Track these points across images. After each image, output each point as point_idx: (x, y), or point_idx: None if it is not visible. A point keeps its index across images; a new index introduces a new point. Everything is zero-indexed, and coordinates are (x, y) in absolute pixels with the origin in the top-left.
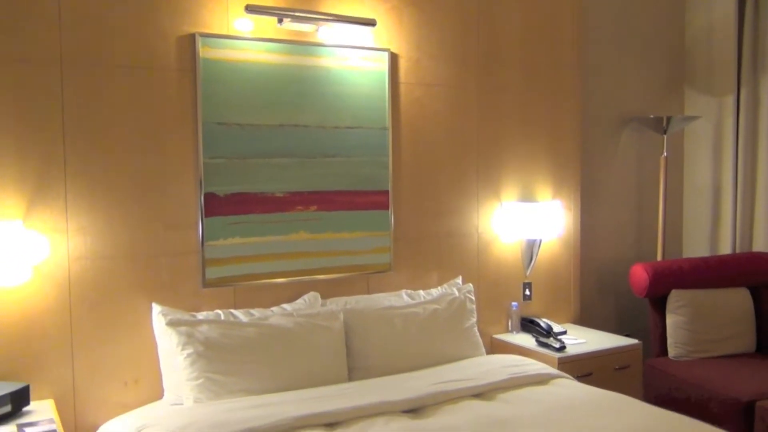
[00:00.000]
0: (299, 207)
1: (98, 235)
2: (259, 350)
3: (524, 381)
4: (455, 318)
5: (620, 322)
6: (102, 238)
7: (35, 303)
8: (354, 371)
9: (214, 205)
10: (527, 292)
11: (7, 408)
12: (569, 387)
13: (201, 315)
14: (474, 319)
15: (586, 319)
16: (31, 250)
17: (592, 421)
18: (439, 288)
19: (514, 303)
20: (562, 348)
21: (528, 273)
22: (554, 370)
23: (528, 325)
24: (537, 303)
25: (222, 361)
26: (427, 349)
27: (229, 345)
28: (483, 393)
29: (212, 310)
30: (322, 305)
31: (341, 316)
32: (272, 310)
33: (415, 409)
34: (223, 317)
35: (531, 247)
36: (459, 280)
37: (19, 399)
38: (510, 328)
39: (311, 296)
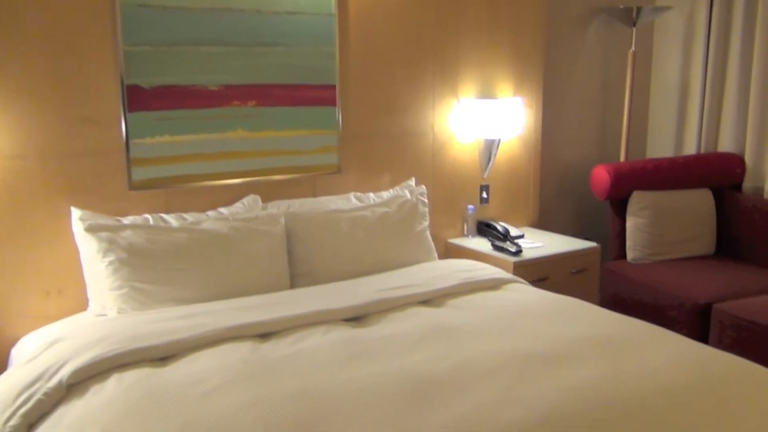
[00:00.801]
0: (236, 102)
1: (5, 133)
2: (191, 257)
3: (476, 286)
4: (406, 222)
5: (580, 226)
6: (10, 136)
7: None
8: (297, 278)
9: (138, 99)
10: (484, 195)
11: None
12: (523, 292)
13: (127, 220)
14: (426, 223)
15: (544, 222)
16: None
17: (544, 327)
18: (390, 190)
19: (470, 206)
20: (518, 252)
21: (486, 175)
22: (508, 275)
23: (484, 228)
24: (494, 206)
25: (148, 269)
26: (376, 255)
27: (156, 251)
28: (432, 300)
29: (141, 214)
30: (263, 209)
31: (282, 220)
32: (207, 215)
33: (357, 318)
34: (151, 222)
35: (489, 148)
36: (412, 182)
37: None
38: (465, 232)
39: (250, 199)
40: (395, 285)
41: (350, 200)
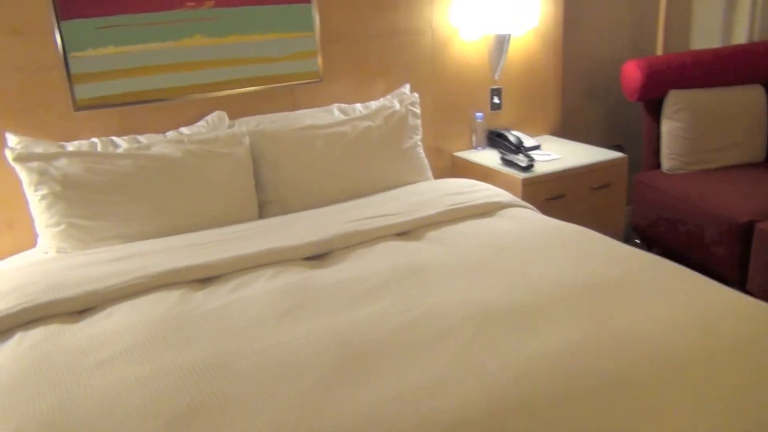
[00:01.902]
0: (190, 3)
1: None
2: (135, 187)
3: (465, 213)
4: (392, 136)
5: (610, 134)
6: None
7: None
8: (266, 206)
9: (72, 3)
10: (495, 100)
11: None
12: (521, 219)
13: (71, 145)
14: (418, 138)
15: (568, 130)
16: None
17: (527, 267)
18: (381, 100)
19: (478, 114)
20: (529, 166)
21: (497, 76)
22: (507, 198)
23: (495, 139)
24: (508, 113)
25: (87, 203)
26: (356, 177)
27: (95, 182)
28: (410, 231)
29: (94, 137)
30: (229, 127)
31: (246, 140)
32: (165, 136)
33: (319, 255)
34: (99, 147)
35: (500, 45)
36: (406, 89)
37: None
38: (474, 144)
39: (215, 116)
40: (371, 214)
41: (332, 113)
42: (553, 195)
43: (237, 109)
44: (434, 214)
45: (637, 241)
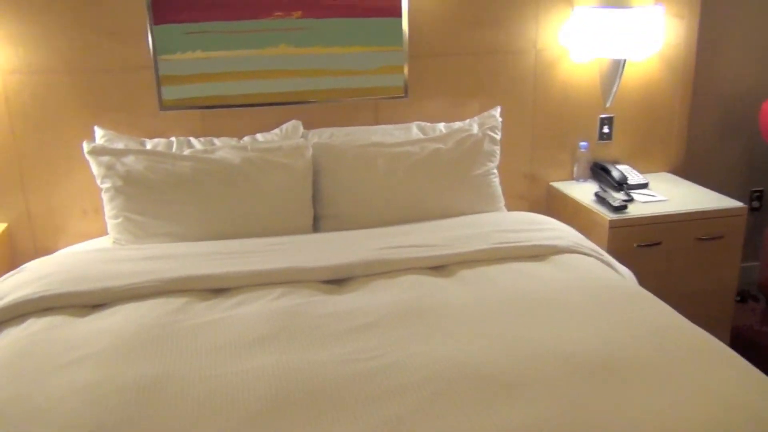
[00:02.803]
0: (278, 13)
1: (32, 46)
2: (191, 189)
3: (509, 254)
4: (462, 162)
5: (749, 177)
6: (36, 49)
7: None
8: (322, 221)
9: (165, 9)
10: (605, 129)
11: None
12: (571, 268)
13: (150, 143)
14: (492, 165)
15: (694, 170)
16: None
17: (540, 326)
18: (467, 120)
19: (583, 143)
20: (622, 207)
21: (608, 104)
22: (567, 242)
23: (599, 172)
24: (619, 145)
25: (143, 200)
26: (415, 200)
27: (153, 181)
28: (445, 265)
29: (174, 136)
30: (302, 136)
31: (309, 152)
32: (238, 141)
33: (342, 280)
34: (175, 145)
35: (615, 69)
36: (496, 111)
37: None
38: (575, 175)
39: (290, 125)
40: (409, 243)
41: (410, 131)
42: (647, 242)
43: (316, 119)
44: (472, 251)
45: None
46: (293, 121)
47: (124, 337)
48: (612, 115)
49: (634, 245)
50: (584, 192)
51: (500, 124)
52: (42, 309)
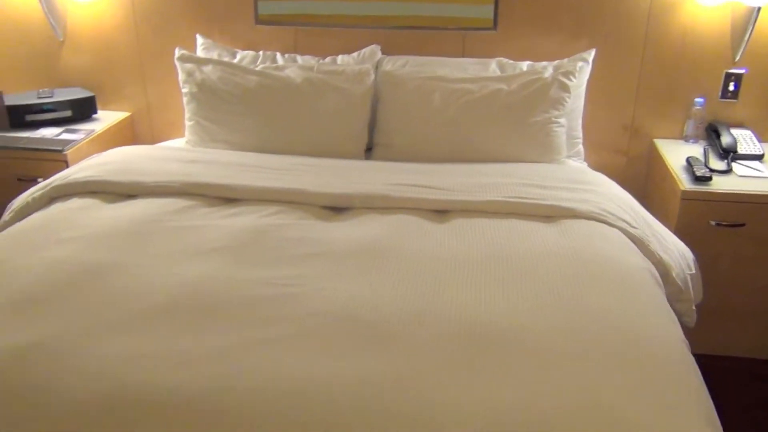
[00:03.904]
0: None
1: None
2: (254, 103)
3: (519, 210)
4: (522, 106)
5: None
6: None
7: (105, 20)
8: (376, 148)
9: None
10: (731, 87)
11: (67, 113)
12: (578, 236)
13: (242, 54)
14: (557, 113)
15: None
16: None
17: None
18: (556, 62)
19: (699, 99)
20: (705, 178)
21: (738, 57)
22: (589, 206)
23: (711, 134)
24: (746, 106)
25: (211, 107)
26: (463, 140)
27: (223, 91)
28: (448, 211)
29: (267, 50)
30: (379, 62)
31: (370, 79)
32: (318, 60)
33: (341, 209)
34: (260, 59)
35: (749, 18)
36: (589, 55)
37: (82, 106)
38: (685, 133)
39: (369, 50)
40: (421, 183)
41: (488, 67)
42: (726, 221)
43: (402, 46)
44: (475, 201)
45: None
46: (372, 46)
47: (114, 226)
48: (741, 70)
49: (712, 223)
50: (682, 154)
51: (584, 69)
52: (87, 191)
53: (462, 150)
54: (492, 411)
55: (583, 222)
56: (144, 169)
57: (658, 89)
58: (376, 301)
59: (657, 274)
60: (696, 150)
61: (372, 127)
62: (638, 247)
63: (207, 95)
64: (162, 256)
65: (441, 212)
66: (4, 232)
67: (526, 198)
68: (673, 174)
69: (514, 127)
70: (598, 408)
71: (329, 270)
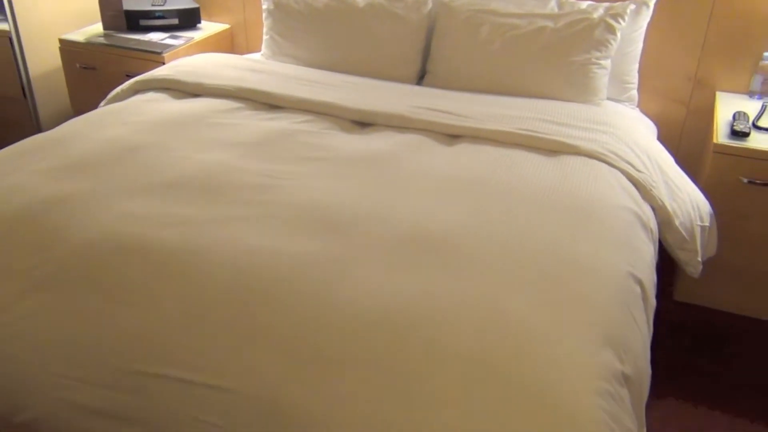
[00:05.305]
0: None
1: None
2: (320, 23)
3: (524, 141)
4: (564, 45)
5: None
6: None
7: None
8: (428, 75)
9: None
10: None
11: (174, 20)
12: (569, 169)
13: None
14: (600, 54)
15: None
16: None
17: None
18: (619, 3)
19: None
20: (743, 134)
21: None
22: (597, 146)
23: None
24: None
25: (283, 24)
26: (504, 74)
27: (295, 10)
28: (460, 136)
29: None
30: None
31: (426, 8)
32: None
33: (366, 124)
34: None
35: None
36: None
37: (187, 16)
38: (751, 88)
39: None
40: (442, 108)
41: (546, 4)
42: (759, 179)
43: None
44: (483, 128)
45: None
46: None
47: (167, 116)
48: None
49: (743, 180)
50: (736, 109)
51: (642, 12)
52: (162, 87)
53: (503, 83)
54: (400, 297)
55: (584, 159)
56: (210, 73)
57: (727, 39)
58: (343, 198)
59: (651, 218)
60: (754, 106)
61: (426, 54)
62: (639, 190)
63: (282, 13)
64: (192, 143)
65: (454, 137)
66: (87, 114)
67: (534, 131)
68: (714, 126)
69: (553, 65)
70: (498, 311)
71: (323, 171)
